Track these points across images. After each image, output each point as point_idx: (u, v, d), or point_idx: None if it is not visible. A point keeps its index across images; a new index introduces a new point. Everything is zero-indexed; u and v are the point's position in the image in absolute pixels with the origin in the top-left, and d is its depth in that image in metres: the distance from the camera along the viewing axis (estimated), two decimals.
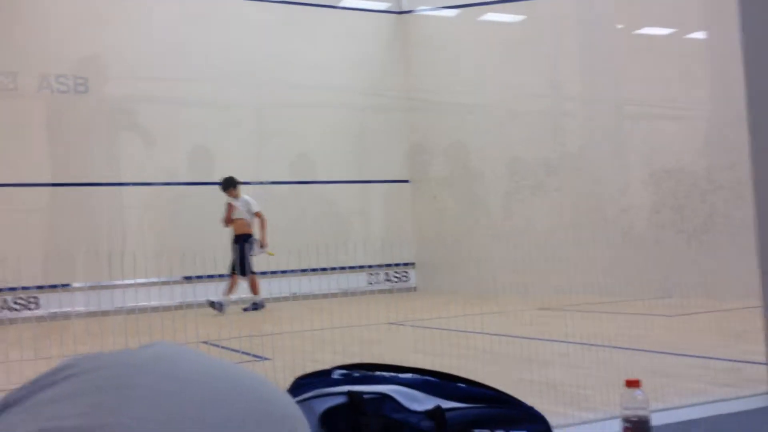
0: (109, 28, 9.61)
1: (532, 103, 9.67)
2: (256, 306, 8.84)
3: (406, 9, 11.50)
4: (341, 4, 11.25)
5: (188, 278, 9.31)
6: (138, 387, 0.91)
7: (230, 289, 8.71)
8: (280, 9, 10.71)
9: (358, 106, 11.00)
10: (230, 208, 8.79)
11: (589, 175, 9.03)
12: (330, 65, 10.70)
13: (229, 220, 8.81)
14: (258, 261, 8.92)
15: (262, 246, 8.83)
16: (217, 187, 8.95)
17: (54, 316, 8.82)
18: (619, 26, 9.27)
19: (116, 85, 9.68)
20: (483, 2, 10.51)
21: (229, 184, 8.87)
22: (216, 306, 8.47)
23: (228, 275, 8.82)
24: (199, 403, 0.91)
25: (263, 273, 9.25)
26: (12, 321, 8.64)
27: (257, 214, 8.87)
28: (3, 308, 8.94)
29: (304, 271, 9.85)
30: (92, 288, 8.95)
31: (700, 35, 8.57)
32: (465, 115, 10.49)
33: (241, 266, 8.66)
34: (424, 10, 11.42)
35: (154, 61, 9.74)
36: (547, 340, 5.12)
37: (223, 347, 5.64)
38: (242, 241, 8.74)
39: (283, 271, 9.76)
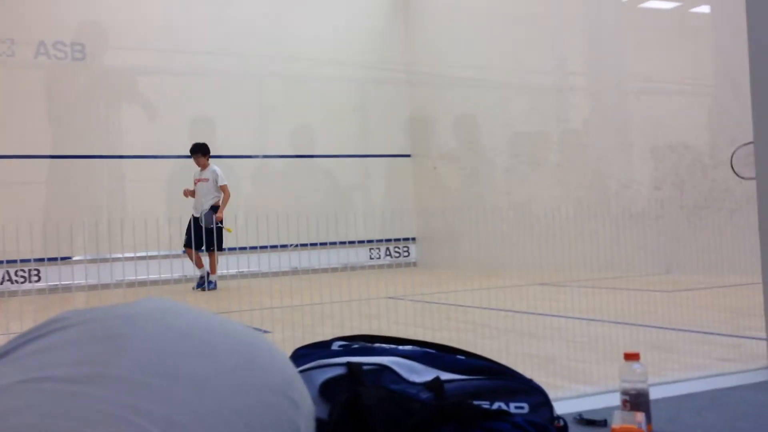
0: None
1: (535, 78, 9.59)
2: (203, 284, 8.35)
3: None
4: None
5: None
6: (132, 337, 0.89)
7: (211, 265, 8.47)
8: None
9: (359, 80, 10.92)
10: (195, 183, 8.51)
11: (592, 150, 8.99)
12: (332, 38, 10.61)
13: (188, 192, 8.54)
14: (250, 237, 8.80)
15: (219, 221, 8.35)
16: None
17: (55, 289, 8.84)
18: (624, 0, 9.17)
19: (114, 53, 9.60)
20: None
21: (197, 150, 8.51)
22: (208, 288, 8.35)
23: (206, 251, 8.54)
24: (192, 355, 0.90)
25: (263, 247, 9.23)
26: (13, 293, 8.66)
27: (222, 188, 8.48)
28: (5, 280, 8.97)
29: (304, 245, 9.84)
30: (92, 261, 8.96)
31: (704, 9, 8.48)
32: (467, 89, 10.42)
33: (196, 240, 8.32)
34: None
35: (153, 31, 9.65)
36: (547, 314, 5.13)
37: None
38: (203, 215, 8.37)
39: (284, 245, 9.76)
